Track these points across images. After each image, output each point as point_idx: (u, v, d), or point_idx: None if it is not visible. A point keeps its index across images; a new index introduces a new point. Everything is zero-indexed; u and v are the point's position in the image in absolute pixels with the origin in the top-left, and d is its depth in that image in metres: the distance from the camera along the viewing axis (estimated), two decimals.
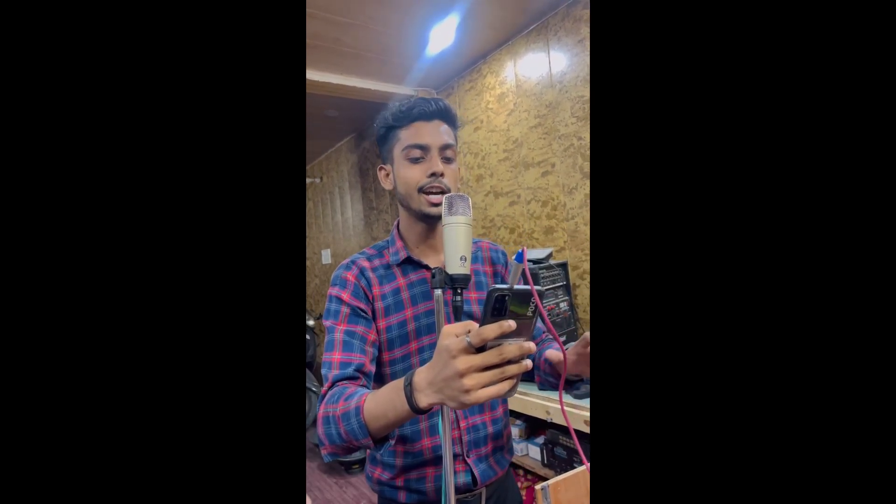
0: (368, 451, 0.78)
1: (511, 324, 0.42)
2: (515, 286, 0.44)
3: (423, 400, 0.49)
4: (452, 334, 0.46)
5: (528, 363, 0.45)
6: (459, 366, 0.43)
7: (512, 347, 0.43)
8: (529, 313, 0.45)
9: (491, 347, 0.44)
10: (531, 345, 0.44)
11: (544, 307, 1.62)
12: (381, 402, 0.55)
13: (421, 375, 0.50)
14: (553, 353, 0.73)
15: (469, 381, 0.43)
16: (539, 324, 0.88)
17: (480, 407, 0.78)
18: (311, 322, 3.52)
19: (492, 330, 0.42)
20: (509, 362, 0.44)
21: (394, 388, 0.53)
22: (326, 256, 3.88)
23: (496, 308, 0.43)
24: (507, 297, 0.43)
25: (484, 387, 0.43)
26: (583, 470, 0.85)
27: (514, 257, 0.48)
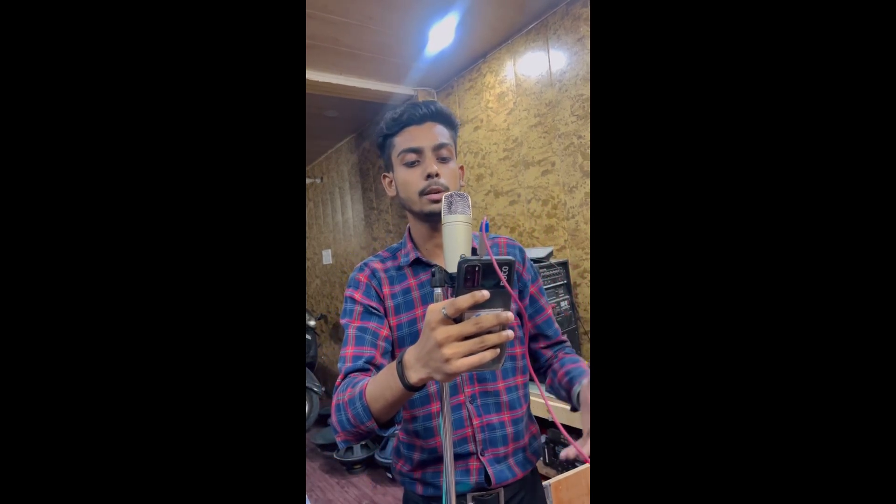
0: (382, 435, 0.81)
1: (484, 293, 0.44)
2: (485, 257, 0.45)
3: (413, 376, 0.51)
4: (435, 310, 0.47)
5: (510, 333, 0.46)
6: (438, 336, 0.45)
7: (489, 317, 0.44)
8: (502, 284, 0.46)
9: (469, 318, 0.45)
10: (509, 314, 0.45)
11: (547, 304, 1.62)
12: (379, 384, 0.58)
13: (410, 353, 0.52)
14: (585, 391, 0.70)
15: (448, 351, 0.45)
16: (556, 324, 0.89)
17: (498, 405, 0.78)
18: (311, 322, 3.52)
19: (464, 300, 0.44)
20: (491, 333, 0.45)
21: (388, 369, 0.56)
22: (327, 257, 3.88)
23: (468, 279, 0.45)
24: (476, 269, 0.45)
25: (464, 356, 0.45)
26: (584, 469, 0.85)
27: (480, 228, 0.49)
